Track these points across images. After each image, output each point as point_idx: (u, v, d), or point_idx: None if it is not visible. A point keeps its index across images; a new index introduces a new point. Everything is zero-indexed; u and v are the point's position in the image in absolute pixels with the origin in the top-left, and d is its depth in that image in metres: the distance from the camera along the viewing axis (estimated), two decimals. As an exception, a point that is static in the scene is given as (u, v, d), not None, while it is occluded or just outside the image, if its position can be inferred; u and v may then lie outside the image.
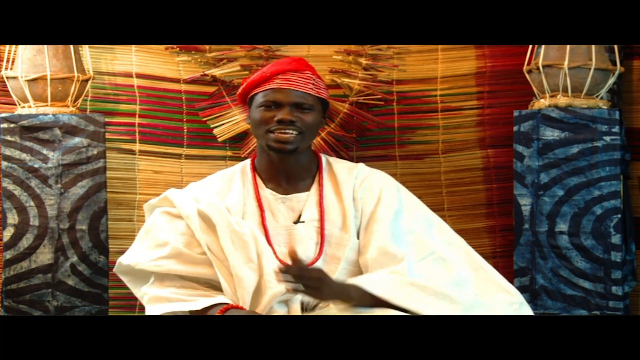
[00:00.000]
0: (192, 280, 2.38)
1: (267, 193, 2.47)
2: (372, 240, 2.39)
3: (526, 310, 2.37)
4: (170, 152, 3.10)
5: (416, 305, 2.26)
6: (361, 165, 2.55)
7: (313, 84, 2.44)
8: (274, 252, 2.39)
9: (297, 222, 2.44)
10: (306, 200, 2.46)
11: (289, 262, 2.19)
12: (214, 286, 2.37)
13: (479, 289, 2.35)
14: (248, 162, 2.55)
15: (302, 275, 2.19)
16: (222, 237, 2.35)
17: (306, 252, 2.41)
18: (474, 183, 3.07)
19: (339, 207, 2.46)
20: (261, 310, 2.31)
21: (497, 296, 2.34)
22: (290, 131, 2.40)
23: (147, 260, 2.39)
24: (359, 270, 2.39)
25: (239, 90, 2.53)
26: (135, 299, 2.99)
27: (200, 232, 2.36)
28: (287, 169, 2.47)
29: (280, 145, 2.40)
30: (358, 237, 2.42)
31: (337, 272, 2.37)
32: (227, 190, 2.49)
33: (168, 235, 2.40)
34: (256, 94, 2.46)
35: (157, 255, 2.38)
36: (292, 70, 2.44)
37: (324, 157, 2.55)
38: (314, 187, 2.49)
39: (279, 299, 2.32)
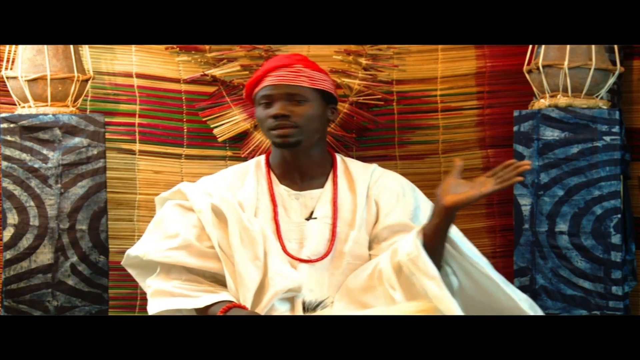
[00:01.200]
0: (198, 274, 2.38)
1: (281, 189, 2.49)
2: (391, 227, 2.42)
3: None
4: (170, 152, 3.10)
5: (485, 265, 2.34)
6: (375, 165, 2.58)
7: (306, 77, 2.45)
8: (284, 248, 2.40)
9: (309, 218, 2.46)
10: (319, 197, 2.48)
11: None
12: (219, 280, 2.38)
13: None
14: (263, 157, 2.57)
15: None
16: (231, 233, 2.36)
17: (317, 248, 2.42)
18: (474, 183, 3.07)
19: (352, 205, 2.48)
20: (262, 307, 2.31)
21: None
22: (286, 125, 2.42)
23: (157, 250, 2.39)
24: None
25: (244, 93, 2.57)
26: (135, 299, 3.00)
27: (212, 227, 2.38)
28: (300, 165, 2.49)
29: (282, 140, 2.43)
30: (371, 231, 2.44)
31: (343, 267, 2.40)
32: (240, 185, 2.51)
33: (179, 227, 2.40)
34: (256, 93, 2.49)
35: (167, 246, 2.39)
36: (281, 66, 2.47)
37: (338, 156, 2.58)
38: (328, 185, 2.51)
39: (280, 297, 2.33)
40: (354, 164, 2.57)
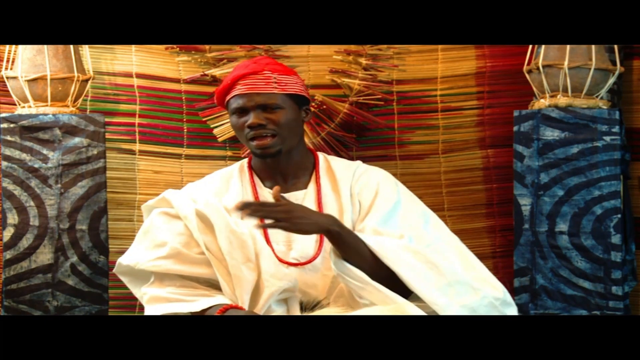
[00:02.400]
0: (191, 280, 2.38)
1: (265, 192, 2.49)
2: (367, 227, 2.39)
3: (510, 310, 2.35)
4: (170, 152, 3.10)
5: (399, 266, 2.26)
6: (359, 162, 2.57)
7: (275, 82, 2.44)
8: (273, 251, 2.39)
9: None
10: (303, 198, 2.47)
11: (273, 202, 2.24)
12: (214, 285, 2.37)
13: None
14: (245, 161, 2.56)
15: (265, 210, 2.21)
16: (220, 237, 2.35)
17: (305, 250, 2.42)
18: (474, 183, 3.07)
19: (337, 204, 2.46)
20: (259, 308, 2.31)
21: (486, 288, 2.34)
22: (265, 134, 2.41)
23: (146, 260, 2.39)
24: None
25: (215, 101, 2.56)
26: (135, 298, 2.99)
27: (198, 232, 2.37)
28: (281, 168, 2.49)
29: (262, 151, 2.43)
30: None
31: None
32: (225, 189, 2.50)
33: (166, 236, 2.40)
34: (228, 101, 2.47)
35: (155, 255, 2.39)
36: (249, 73, 2.44)
37: (321, 155, 2.56)
38: (312, 185, 2.50)
39: (276, 297, 2.33)
40: (337, 162, 2.55)
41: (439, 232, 2.44)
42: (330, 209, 2.45)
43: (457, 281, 2.30)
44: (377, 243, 2.30)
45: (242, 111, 2.44)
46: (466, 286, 2.30)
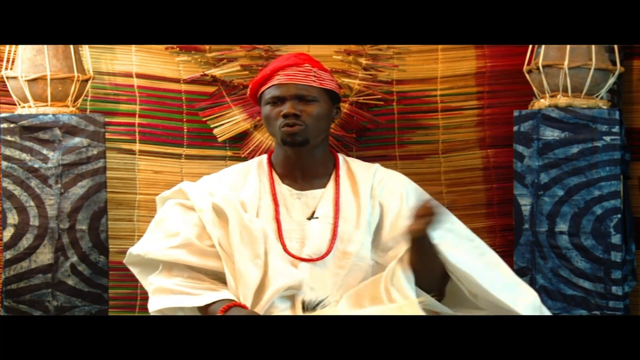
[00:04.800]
0: (200, 272, 2.39)
1: (283, 188, 2.50)
2: (396, 238, 2.42)
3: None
4: (170, 152, 3.10)
5: (471, 269, 2.34)
6: (378, 165, 2.58)
7: (314, 76, 2.47)
8: (285, 247, 2.41)
9: (310, 218, 2.46)
10: (321, 197, 2.48)
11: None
12: (221, 278, 2.39)
13: None
14: (265, 157, 2.57)
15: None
16: (232, 232, 2.37)
17: (319, 248, 2.42)
18: (474, 183, 3.07)
19: (355, 205, 2.48)
20: (262, 305, 2.32)
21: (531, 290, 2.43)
22: (297, 124, 2.42)
23: (158, 249, 2.40)
24: (369, 267, 2.42)
25: (248, 92, 2.57)
26: (135, 299, 3.00)
27: (212, 226, 2.38)
28: (303, 164, 2.50)
29: (291, 138, 2.44)
30: (375, 236, 2.44)
31: (349, 268, 2.40)
32: (242, 184, 2.51)
33: (180, 226, 2.42)
34: (262, 92, 2.49)
35: (168, 244, 2.40)
36: (290, 65, 2.48)
37: (341, 156, 2.57)
38: (331, 185, 2.51)
39: (281, 294, 2.34)
40: (357, 164, 2.57)
41: (466, 232, 2.47)
42: (347, 209, 2.46)
43: (517, 282, 2.40)
44: (447, 247, 2.36)
45: (277, 100, 2.46)
46: (523, 286, 2.41)
